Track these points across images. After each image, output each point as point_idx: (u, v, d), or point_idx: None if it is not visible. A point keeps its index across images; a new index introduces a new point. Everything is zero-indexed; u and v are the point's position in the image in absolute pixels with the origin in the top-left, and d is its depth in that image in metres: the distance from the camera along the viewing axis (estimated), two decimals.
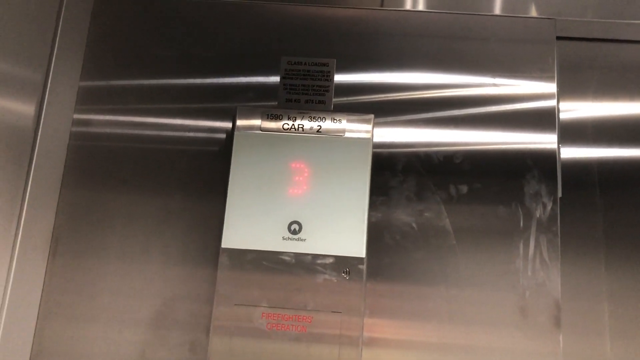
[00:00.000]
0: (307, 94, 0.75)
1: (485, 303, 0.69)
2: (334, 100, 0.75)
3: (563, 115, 0.76)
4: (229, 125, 0.75)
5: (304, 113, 0.72)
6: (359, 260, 0.67)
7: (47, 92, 0.71)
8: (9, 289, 0.65)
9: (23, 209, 0.67)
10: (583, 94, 0.78)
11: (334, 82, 0.76)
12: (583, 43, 0.79)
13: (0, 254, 0.65)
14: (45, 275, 0.72)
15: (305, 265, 0.67)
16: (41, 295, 0.71)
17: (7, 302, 0.65)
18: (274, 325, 0.66)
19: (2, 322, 0.64)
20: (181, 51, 0.78)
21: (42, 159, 0.70)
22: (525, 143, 0.73)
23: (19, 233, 0.67)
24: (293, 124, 0.71)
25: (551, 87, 0.75)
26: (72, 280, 0.72)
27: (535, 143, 0.73)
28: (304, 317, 0.66)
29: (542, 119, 0.74)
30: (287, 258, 0.67)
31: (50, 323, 0.71)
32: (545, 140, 0.73)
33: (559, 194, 0.72)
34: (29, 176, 0.68)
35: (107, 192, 0.74)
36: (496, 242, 0.70)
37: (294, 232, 0.68)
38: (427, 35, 0.77)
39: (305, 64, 0.76)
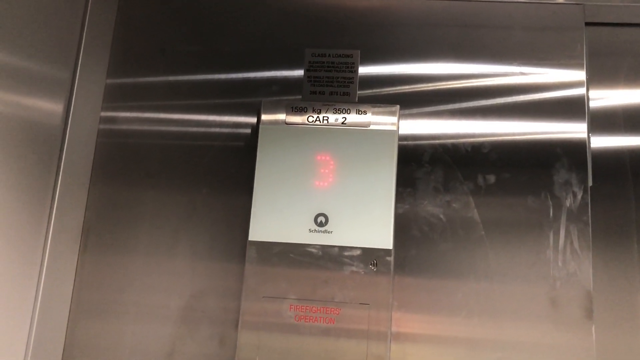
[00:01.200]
0: (332, 85, 0.75)
1: (515, 294, 0.68)
2: (358, 92, 0.75)
3: (593, 104, 0.75)
4: (253, 120, 0.75)
5: (328, 105, 0.71)
6: (386, 252, 0.67)
7: (75, 90, 0.72)
8: (42, 284, 0.67)
9: (54, 206, 0.68)
10: (613, 81, 0.76)
11: (358, 74, 0.75)
12: (613, 28, 0.77)
13: (33, 250, 0.66)
14: (76, 270, 0.73)
15: (332, 257, 0.67)
16: (72, 290, 0.73)
17: (40, 297, 0.66)
18: (302, 317, 0.66)
19: (36, 318, 0.66)
20: (206, 46, 0.78)
21: (71, 156, 0.71)
22: (554, 133, 0.72)
23: (49, 230, 0.68)
24: (318, 117, 0.71)
25: (580, 74, 0.73)
26: (102, 275, 0.73)
27: (564, 132, 0.72)
28: (332, 310, 0.66)
29: (572, 108, 0.72)
30: (314, 250, 0.67)
31: (81, 317, 0.72)
32: (575, 130, 0.72)
33: (590, 183, 0.70)
34: (59, 173, 0.69)
35: (135, 188, 0.75)
36: (526, 233, 0.69)
37: (321, 225, 0.68)
38: (451, 24, 0.76)
39: (329, 55, 0.76)
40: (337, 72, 0.75)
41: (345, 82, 0.75)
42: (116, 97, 0.78)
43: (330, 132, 0.70)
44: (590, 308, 0.67)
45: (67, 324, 0.72)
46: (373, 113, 0.71)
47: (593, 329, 0.66)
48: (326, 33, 0.77)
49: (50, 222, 0.68)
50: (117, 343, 0.71)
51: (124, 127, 0.77)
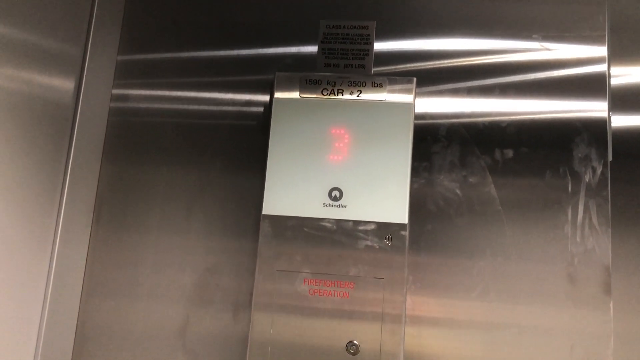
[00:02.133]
0: (347, 58, 0.74)
1: (532, 270, 0.67)
2: (374, 69, 0.74)
3: (614, 81, 0.73)
4: (267, 97, 0.75)
5: (343, 78, 0.70)
6: (401, 226, 0.66)
7: (86, 68, 0.71)
8: (54, 261, 0.67)
9: (65, 183, 0.68)
10: (635, 57, 0.74)
11: (374, 49, 0.74)
12: (634, 0, 0.75)
13: (45, 227, 0.66)
14: (88, 247, 0.73)
15: (347, 231, 0.67)
16: (85, 267, 0.73)
17: (52, 274, 0.67)
18: (316, 291, 0.66)
19: (49, 295, 0.66)
20: (218, 18, 0.77)
21: (82, 134, 0.71)
22: (574, 111, 0.70)
23: (62, 207, 0.68)
24: (332, 89, 0.70)
25: (602, 50, 0.72)
26: (115, 251, 0.73)
27: (584, 111, 0.70)
28: (347, 283, 0.65)
29: (592, 85, 0.71)
30: (328, 224, 0.67)
31: (94, 294, 0.73)
32: (596, 108, 0.70)
33: (610, 158, 0.69)
34: (70, 150, 0.69)
35: (148, 165, 0.75)
36: (543, 208, 0.68)
37: (335, 199, 0.67)
38: None
39: (344, 27, 0.75)
40: (352, 44, 0.74)
41: (360, 54, 0.74)
42: (127, 74, 0.77)
43: (345, 105, 0.69)
44: (608, 284, 0.66)
45: (80, 301, 0.72)
46: (389, 85, 0.69)
47: (611, 304, 0.65)
48: (341, 4, 0.76)
49: (63, 199, 0.68)
50: (130, 319, 0.72)
51: (136, 105, 0.77)
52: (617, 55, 0.74)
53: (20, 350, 0.63)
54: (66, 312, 0.70)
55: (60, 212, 0.68)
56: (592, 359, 0.65)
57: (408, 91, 0.69)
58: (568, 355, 0.65)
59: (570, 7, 0.73)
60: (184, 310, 0.71)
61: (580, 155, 0.69)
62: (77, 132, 0.70)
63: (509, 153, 0.70)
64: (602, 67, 0.71)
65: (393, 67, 0.74)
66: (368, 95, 0.70)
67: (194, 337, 0.70)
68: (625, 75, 0.74)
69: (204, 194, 0.73)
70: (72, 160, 0.69)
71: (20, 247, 0.63)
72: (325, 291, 0.66)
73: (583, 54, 0.72)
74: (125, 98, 0.77)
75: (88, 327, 0.72)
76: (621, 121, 0.73)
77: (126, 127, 0.76)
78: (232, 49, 0.77)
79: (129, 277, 0.72)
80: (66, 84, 0.69)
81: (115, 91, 0.77)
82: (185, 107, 0.76)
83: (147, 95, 0.77)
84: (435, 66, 0.74)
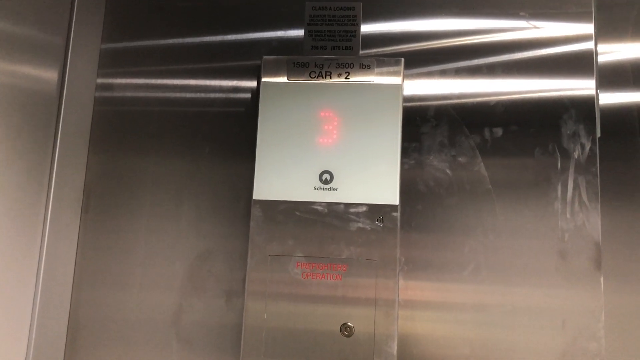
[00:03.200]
0: (334, 39, 0.74)
1: (523, 247, 0.68)
2: (361, 52, 0.73)
3: (601, 58, 0.73)
4: (254, 83, 0.74)
5: (331, 60, 0.70)
6: (392, 207, 0.66)
7: (69, 57, 0.70)
8: (44, 252, 0.66)
9: (53, 173, 0.68)
10: (621, 33, 0.75)
11: (361, 32, 0.73)
12: None
13: (34, 218, 0.66)
14: (78, 236, 0.73)
15: (338, 214, 0.66)
16: (76, 256, 0.72)
17: (43, 265, 0.66)
18: (309, 274, 0.66)
19: (40, 286, 0.66)
20: (203, 3, 0.76)
21: (68, 124, 0.70)
22: (562, 90, 0.70)
23: (50, 197, 0.67)
24: (320, 72, 0.70)
25: (588, 27, 0.71)
26: (105, 240, 0.73)
27: (573, 89, 0.70)
28: (339, 266, 0.66)
29: (580, 63, 0.71)
30: (319, 208, 0.67)
31: (85, 283, 0.72)
32: (584, 86, 0.70)
33: (598, 134, 0.69)
34: (56, 141, 0.69)
35: (136, 152, 0.74)
36: (533, 185, 0.69)
37: (326, 182, 0.67)
38: None
39: (330, 8, 0.74)
40: (339, 26, 0.74)
41: (347, 35, 0.73)
42: (112, 62, 0.76)
43: (333, 88, 0.69)
44: (599, 259, 0.66)
45: (72, 291, 0.72)
46: (377, 67, 0.69)
47: (601, 279, 0.66)
48: None
49: (50, 191, 0.68)
50: (122, 308, 0.71)
51: (121, 94, 0.76)
52: (604, 32, 0.74)
53: (13, 342, 0.63)
54: (58, 303, 0.70)
55: (49, 203, 0.67)
56: (584, 333, 0.65)
57: (396, 72, 0.69)
58: (560, 331, 0.66)
59: None
60: (177, 299, 0.71)
61: (568, 132, 0.69)
62: (62, 122, 0.69)
63: (498, 132, 0.70)
64: (589, 45, 0.71)
65: (381, 49, 0.73)
66: (356, 78, 0.69)
67: (187, 325, 0.70)
68: (613, 52, 0.74)
69: (193, 181, 0.73)
70: (58, 151, 0.68)
71: (8, 239, 0.62)
72: (318, 274, 0.66)
73: (570, 32, 0.72)
74: (110, 87, 0.76)
75: (81, 318, 0.71)
76: (609, 98, 0.73)
77: (112, 116, 0.75)
78: (218, 34, 0.76)
79: (120, 267, 0.72)
80: (50, 74, 0.68)
81: (100, 80, 0.76)
82: (172, 94, 0.75)
83: (132, 84, 0.76)
84: (422, 47, 0.73)
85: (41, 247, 0.66)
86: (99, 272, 0.72)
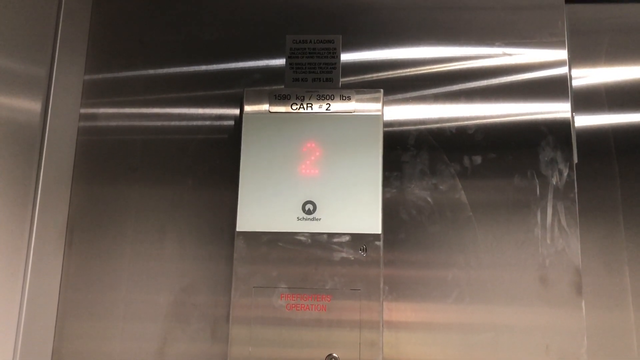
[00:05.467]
0: (314, 72, 0.75)
1: (504, 273, 0.68)
2: (341, 80, 0.74)
3: (575, 83, 0.75)
4: (236, 111, 0.75)
5: (312, 92, 0.71)
6: (375, 236, 0.67)
7: (53, 88, 0.70)
8: (27, 286, 0.66)
9: (36, 205, 0.67)
10: (594, 59, 0.77)
11: (341, 60, 0.75)
12: (592, 5, 0.77)
13: (17, 251, 0.65)
14: (62, 269, 0.72)
15: (322, 244, 0.67)
16: (59, 290, 0.72)
17: (26, 299, 0.65)
18: (293, 306, 0.66)
19: (23, 320, 0.65)
20: (184, 35, 0.77)
21: (51, 155, 0.70)
22: (538, 113, 0.72)
23: (33, 230, 0.67)
24: (302, 104, 0.70)
25: (562, 53, 0.73)
26: (89, 273, 0.72)
27: (548, 113, 0.72)
28: (323, 297, 0.66)
29: (555, 87, 0.72)
30: (302, 238, 0.67)
31: (69, 317, 0.71)
32: (559, 109, 0.72)
33: (575, 160, 0.71)
34: (39, 173, 0.68)
35: (119, 184, 0.74)
36: (513, 212, 0.70)
37: (309, 212, 0.68)
38: (432, 6, 0.76)
39: (310, 42, 0.75)
40: (319, 58, 0.75)
41: (327, 67, 0.74)
42: (95, 93, 0.77)
43: (314, 119, 0.70)
44: (579, 284, 0.67)
45: (56, 325, 0.71)
46: (357, 98, 0.70)
47: (583, 304, 0.67)
48: (307, 18, 0.76)
49: (34, 222, 0.67)
50: (107, 342, 0.70)
51: (105, 123, 0.76)
52: (578, 57, 0.76)
53: None
54: (41, 337, 0.69)
55: (32, 235, 0.67)
56: (567, 357, 0.66)
57: (376, 101, 0.70)
58: (544, 355, 0.66)
59: (531, 14, 0.74)
60: (161, 331, 0.70)
61: (546, 158, 0.71)
62: (45, 153, 0.69)
63: (477, 159, 0.71)
64: (563, 70, 0.73)
65: (360, 77, 0.75)
66: (337, 109, 0.70)
67: (172, 358, 0.69)
68: (587, 76, 0.76)
69: (176, 212, 0.73)
70: (42, 182, 0.68)
71: None
72: (303, 305, 0.66)
73: (544, 58, 0.73)
74: (93, 117, 0.76)
75: (64, 352, 0.71)
76: (584, 121, 0.75)
77: (96, 146, 0.75)
78: (201, 64, 0.76)
79: (104, 301, 0.71)
80: (33, 105, 0.68)
81: (83, 110, 0.76)
82: (156, 123, 0.75)
83: (116, 114, 0.76)
84: (401, 75, 0.75)
85: (24, 283, 0.65)
86: (83, 308, 0.71)
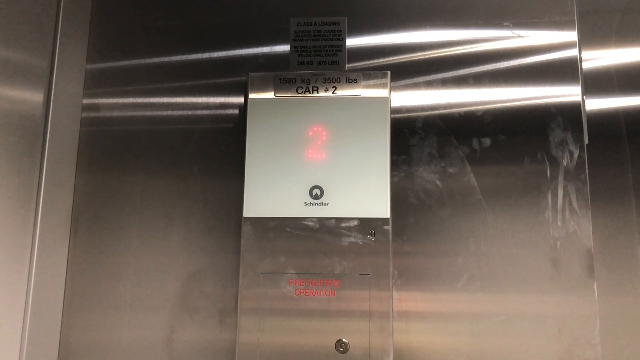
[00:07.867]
0: (320, 55, 0.74)
1: (515, 256, 0.67)
2: (347, 66, 0.73)
3: (586, 65, 0.74)
4: (241, 99, 0.74)
5: (317, 75, 0.70)
6: (383, 221, 0.66)
7: (54, 79, 0.70)
8: (33, 277, 0.65)
9: (40, 196, 0.67)
10: (604, 40, 0.75)
11: (347, 45, 0.74)
12: None
13: (22, 242, 0.65)
14: (67, 260, 0.72)
15: (330, 229, 0.66)
16: (65, 280, 0.71)
17: (32, 290, 0.65)
18: (302, 291, 0.65)
19: (29, 311, 0.65)
20: (188, 22, 0.76)
21: (54, 146, 0.69)
22: (548, 97, 0.71)
23: (37, 221, 0.66)
24: (307, 87, 0.70)
25: (572, 35, 0.72)
26: (95, 262, 0.72)
27: (558, 96, 0.71)
28: (332, 282, 0.65)
29: (565, 70, 0.71)
30: (310, 223, 0.66)
31: (76, 307, 0.71)
32: (569, 92, 0.71)
33: (586, 141, 0.69)
34: (43, 164, 0.68)
35: (124, 174, 0.74)
36: (523, 194, 0.69)
37: (316, 197, 0.67)
38: None
39: (315, 24, 0.74)
40: (325, 41, 0.74)
41: (333, 50, 0.73)
42: (97, 83, 0.76)
43: (320, 103, 0.69)
44: (591, 266, 0.66)
45: (62, 316, 0.71)
46: (364, 80, 0.69)
47: (595, 286, 0.66)
48: (311, 1, 0.75)
49: (38, 214, 0.67)
50: (114, 331, 0.70)
51: (108, 114, 0.75)
52: (588, 39, 0.75)
53: None
54: (48, 328, 0.69)
55: (37, 227, 0.66)
56: (580, 341, 0.65)
57: (383, 85, 0.69)
58: (556, 339, 0.65)
59: None
60: (169, 320, 0.70)
61: (556, 140, 0.70)
62: (49, 144, 0.68)
63: (486, 142, 0.71)
64: (573, 52, 0.72)
65: (367, 63, 0.74)
66: (343, 92, 0.69)
67: (180, 347, 0.69)
68: (597, 58, 0.75)
69: (183, 200, 0.72)
70: (45, 174, 0.68)
71: None
72: (311, 291, 0.65)
73: (554, 40, 0.72)
74: (96, 107, 0.75)
75: (72, 342, 0.70)
76: (595, 104, 0.74)
77: (99, 136, 0.75)
78: (204, 51, 0.76)
79: (110, 289, 0.71)
80: (35, 97, 0.67)
81: (85, 101, 0.76)
82: (159, 113, 0.75)
83: (118, 104, 0.75)
84: (408, 59, 0.74)
85: (29, 273, 0.65)
86: (90, 297, 0.71)
